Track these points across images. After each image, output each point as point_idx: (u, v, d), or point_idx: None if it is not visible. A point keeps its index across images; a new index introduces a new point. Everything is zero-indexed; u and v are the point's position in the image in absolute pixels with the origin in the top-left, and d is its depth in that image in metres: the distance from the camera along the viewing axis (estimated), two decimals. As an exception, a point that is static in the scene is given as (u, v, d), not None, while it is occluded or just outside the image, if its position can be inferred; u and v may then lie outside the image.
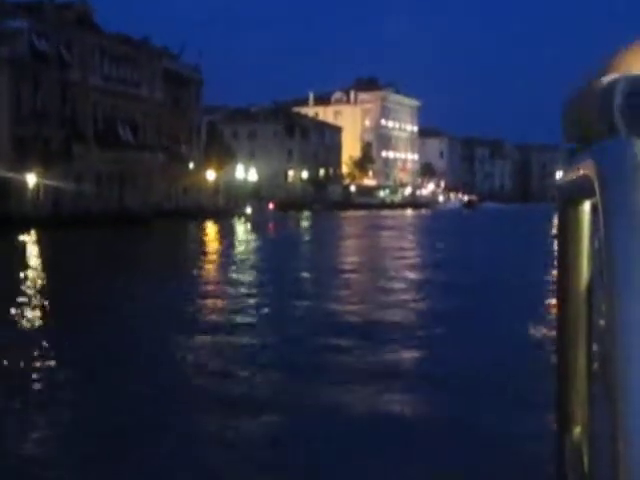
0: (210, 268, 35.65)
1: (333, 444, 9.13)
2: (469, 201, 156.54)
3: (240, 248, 47.02)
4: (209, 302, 22.55)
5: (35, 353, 14.86)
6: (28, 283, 26.91)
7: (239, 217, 71.32)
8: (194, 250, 45.88)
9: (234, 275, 30.34)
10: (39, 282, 27.26)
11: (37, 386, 12.72)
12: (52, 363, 14.18)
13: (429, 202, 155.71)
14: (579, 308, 0.99)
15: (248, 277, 29.75)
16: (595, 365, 1.00)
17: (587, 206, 0.98)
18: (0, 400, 11.55)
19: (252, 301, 22.49)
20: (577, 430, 1.00)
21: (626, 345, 0.56)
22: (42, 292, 24.38)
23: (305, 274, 30.72)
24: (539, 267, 26.17)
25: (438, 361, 13.99)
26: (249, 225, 63.53)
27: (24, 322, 18.89)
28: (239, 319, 18.97)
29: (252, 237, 56.57)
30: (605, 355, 0.71)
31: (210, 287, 27.41)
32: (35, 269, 32.30)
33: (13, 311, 20.25)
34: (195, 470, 8.54)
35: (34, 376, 13.12)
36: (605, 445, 0.76)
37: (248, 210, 72.54)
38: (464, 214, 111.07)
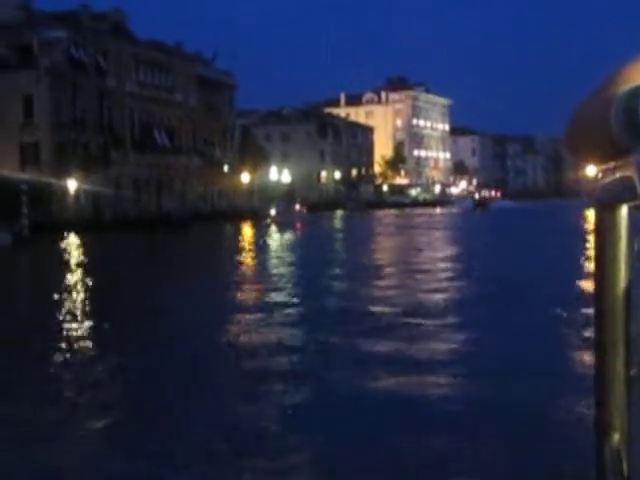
0: (238, 265, 36.81)
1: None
2: (480, 200, 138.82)
3: (267, 247, 48.40)
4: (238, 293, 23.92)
5: (98, 343, 16.32)
6: (78, 284, 28.24)
7: (265, 218, 72.11)
8: (226, 250, 47.60)
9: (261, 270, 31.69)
10: (88, 282, 28.52)
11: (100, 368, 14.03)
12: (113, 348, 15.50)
13: (436, 201, 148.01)
14: (617, 314, 0.99)
15: (276, 271, 31.04)
16: (633, 371, 1.00)
17: (625, 209, 0.97)
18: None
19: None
20: (616, 436, 1.00)
21: None
22: (94, 291, 25.74)
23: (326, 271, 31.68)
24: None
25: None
26: (274, 226, 64.35)
27: (81, 316, 20.25)
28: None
29: (278, 237, 57.49)
30: None
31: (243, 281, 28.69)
32: (81, 270, 33.59)
33: (70, 306, 21.74)
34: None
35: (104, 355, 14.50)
36: None
37: (272, 211, 73.14)
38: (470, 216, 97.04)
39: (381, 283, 26.38)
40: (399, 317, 18.31)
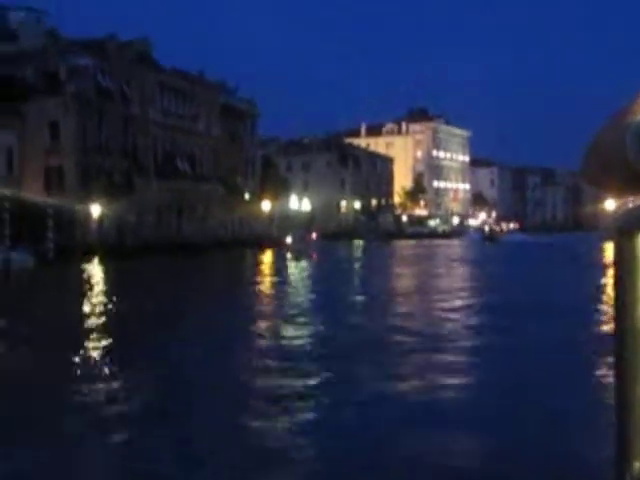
0: (252, 290, 37.49)
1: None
2: (490, 233, 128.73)
3: (283, 274, 49.19)
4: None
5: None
6: (97, 307, 28.92)
7: (282, 247, 72.67)
8: (242, 277, 48.52)
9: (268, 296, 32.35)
10: (106, 304, 29.23)
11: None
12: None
13: (453, 232, 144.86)
14: (637, 339, 0.98)
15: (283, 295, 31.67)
16: None
17: None
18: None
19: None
20: (637, 465, 0.97)
21: None
22: (110, 314, 26.38)
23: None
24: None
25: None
26: (289, 254, 64.93)
27: (109, 333, 20.90)
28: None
29: (293, 265, 58.11)
30: None
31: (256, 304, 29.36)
32: (100, 294, 34.35)
33: (97, 323, 22.41)
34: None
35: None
36: None
37: (288, 240, 73.57)
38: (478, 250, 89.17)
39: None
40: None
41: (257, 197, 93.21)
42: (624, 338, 1.00)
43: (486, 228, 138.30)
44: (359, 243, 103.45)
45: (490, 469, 10.01)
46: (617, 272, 1.02)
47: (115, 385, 14.95)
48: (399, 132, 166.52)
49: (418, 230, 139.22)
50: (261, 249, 75.33)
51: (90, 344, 19.53)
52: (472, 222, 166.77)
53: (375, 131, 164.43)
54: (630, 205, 0.97)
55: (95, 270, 50.50)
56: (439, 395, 13.83)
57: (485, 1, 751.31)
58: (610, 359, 0.99)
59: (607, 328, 22.85)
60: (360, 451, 10.62)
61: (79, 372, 16.15)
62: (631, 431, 0.99)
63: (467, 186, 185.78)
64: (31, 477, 9.65)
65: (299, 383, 14.76)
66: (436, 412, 12.70)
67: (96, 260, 56.86)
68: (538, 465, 10.13)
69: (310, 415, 12.61)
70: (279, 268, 54.84)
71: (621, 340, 1.01)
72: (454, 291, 35.47)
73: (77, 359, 17.36)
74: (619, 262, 1.01)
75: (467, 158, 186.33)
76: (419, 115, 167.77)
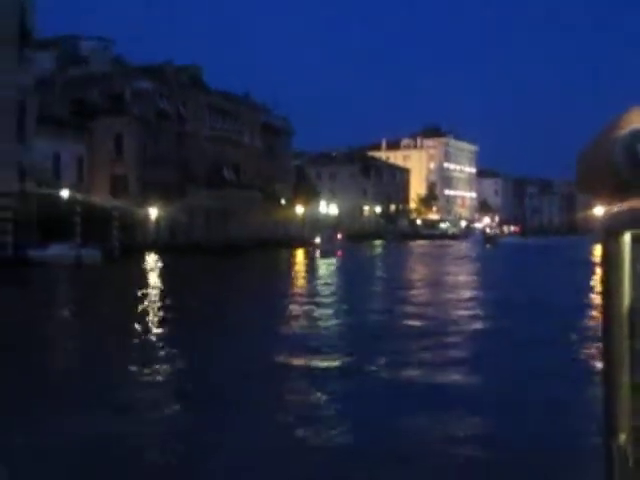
0: (287, 281, 38.40)
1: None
2: (490, 235, 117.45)
3: (313, 269, 49.93)
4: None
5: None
6: (157, 292, 29.65)
7: (311, 246, 73.21)
8: (281, 270, 49.40)
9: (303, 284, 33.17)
10: (165, 291, 29.99)
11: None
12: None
13: (460, 234, 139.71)
14: (622, 329, 0.98)
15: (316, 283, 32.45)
16: (638, 378, 0.99)
17: (628, 237, 0.97)
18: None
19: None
20: (622, 436, 0.99)
21: None
22: (170, 297, 27.17)
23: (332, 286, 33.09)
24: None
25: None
26: (318, 252, 65.62)
27: (167, 314, 21.70)
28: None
29: (321, 261, 58.81)
30: None
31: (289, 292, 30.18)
32: (160, 282, 35.10)
33: (158, 305, 23.21)
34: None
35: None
36: None
37: (317, 240, 73.88)
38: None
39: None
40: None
41: (291, 203, 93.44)
42: (611, 326, 1.00)
43: (488, 230, 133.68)
44: (379, 243, 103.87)
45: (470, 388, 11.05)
46: (604, 267, 1.02)
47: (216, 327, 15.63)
48: (415, 146, 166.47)
49: (431, 232, 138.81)
50: (294, 248, 75.77)
51: (156, 322, 20.21)
52: (478, 225, 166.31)
53: (394, 145, 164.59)
54: (615, 209, 0.98)
55: (153, 265, 51.30)
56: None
57: (493, 31, 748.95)
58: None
59: (587, 302, 24.43)
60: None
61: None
62: (617, 408, 0.99)
63: (474, 194, 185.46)
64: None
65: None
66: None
67: (153, 256, 57.65)
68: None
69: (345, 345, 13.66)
70: (309, 264, 55.94)
71: (608, 328, 1.00)
72: (453, 274, 36.67)
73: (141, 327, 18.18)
74: (606, 258, 1.01)
75: (474, 170, 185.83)
76: (432, 131, 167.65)
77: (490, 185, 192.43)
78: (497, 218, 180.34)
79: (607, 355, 1.01)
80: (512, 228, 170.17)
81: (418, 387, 12.93)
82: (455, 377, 13.47)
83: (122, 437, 9.90)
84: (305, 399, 12.24)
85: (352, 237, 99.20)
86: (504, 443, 9.59)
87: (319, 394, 12.43)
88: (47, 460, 8.92)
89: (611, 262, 0.99)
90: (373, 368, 14.29)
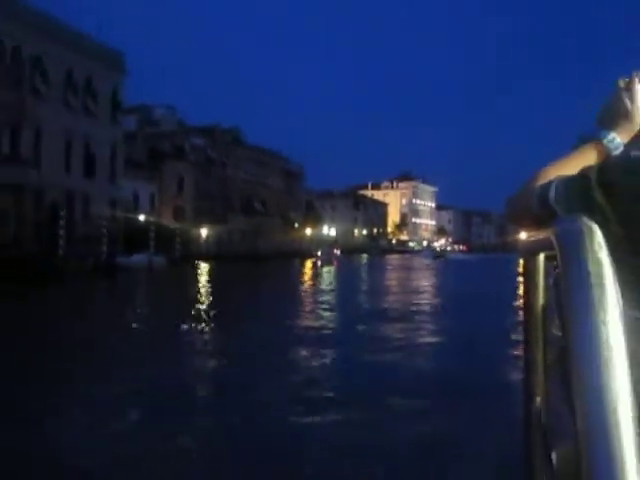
0: (296, 279, 39.36)
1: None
2: (439, 252, 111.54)
3: (319, 271, 50.93)
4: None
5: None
6: (209, 287, 30.76)
7: (315, 257, 73.61)
8: (294, 272, 50.25)
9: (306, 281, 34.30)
10: (216, 286, 31.04)
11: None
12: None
13: (422, 251, 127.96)
14: (538, 323, 0.95)
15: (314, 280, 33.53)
16: (548, 359, 0.95)
17: (542, 257, 0.93)
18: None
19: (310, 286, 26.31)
20: (538, 399, 0.95)
21: (577, 348, 0.56)
22: (219, 289, 28.14)
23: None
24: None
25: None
26: (319, 261, 66.08)
27: (220, 303, 22.37)
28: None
29: (323, 268, 59.57)
30: (562, 353, 0.75)
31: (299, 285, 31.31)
32: (212, 279, 36.11)
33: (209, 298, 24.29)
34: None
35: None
36: (556, 411, 0.82)
37: (319, 253, 74.15)
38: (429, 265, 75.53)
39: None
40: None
41: (302, 226, 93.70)
42: (529, 322, 0.97)
43: (437, 248, 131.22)
44: (365, 256, 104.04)
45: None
46: (525, 278, 0.98)
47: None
48: (392, 187, 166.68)
49: (402, 249, 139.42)
50: (304, 259, 76.15)
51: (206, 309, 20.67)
52: (436, 244, 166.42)
53: (377, 186, 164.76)
54: (532, 236, 0.94)
55: (206, 269, 52.03)
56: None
57: (456, 98, 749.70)
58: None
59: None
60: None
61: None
62: (534, 378, 0.96)
63: (434, 222, 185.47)
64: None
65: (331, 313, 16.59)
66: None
67: (204, 263, 58.26)
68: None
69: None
70: (314, 269, 56.81)
71: (527, 322, 0.98)
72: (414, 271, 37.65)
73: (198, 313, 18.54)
74: (526, 272, 0.97)
75: (434, 204, 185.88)
76: (405, 176, 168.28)
77: (445, 215, 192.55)
78: (450, 239, 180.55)
79: (527, 341, 0.98)
80: (461, 247, 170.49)
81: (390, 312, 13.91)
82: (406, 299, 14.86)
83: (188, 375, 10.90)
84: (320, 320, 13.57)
85: (346, 251, 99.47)
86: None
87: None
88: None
89: (530, 275, 0.96)
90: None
